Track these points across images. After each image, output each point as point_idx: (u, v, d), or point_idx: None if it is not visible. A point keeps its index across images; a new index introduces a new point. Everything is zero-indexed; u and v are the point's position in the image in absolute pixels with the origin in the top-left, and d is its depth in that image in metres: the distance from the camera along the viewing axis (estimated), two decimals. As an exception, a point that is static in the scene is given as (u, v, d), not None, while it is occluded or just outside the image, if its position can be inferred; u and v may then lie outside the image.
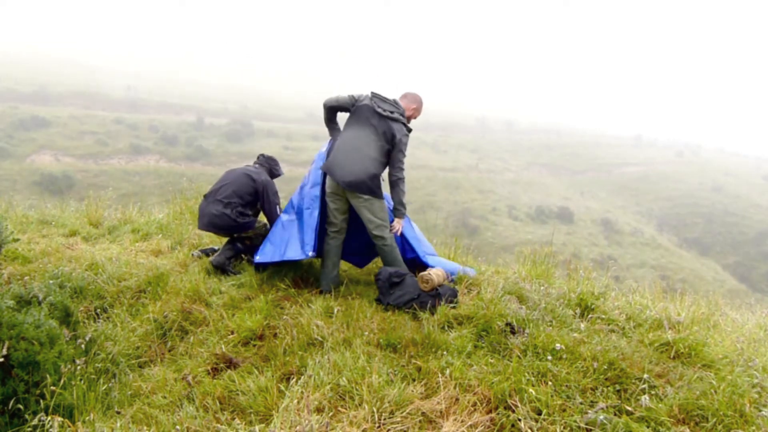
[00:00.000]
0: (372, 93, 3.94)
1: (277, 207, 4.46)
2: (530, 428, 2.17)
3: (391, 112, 3.83)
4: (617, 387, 2.50)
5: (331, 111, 4.06)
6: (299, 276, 4.13)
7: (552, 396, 2.34)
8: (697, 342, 2.93)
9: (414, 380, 2.54)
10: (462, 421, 2.22)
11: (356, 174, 3.74)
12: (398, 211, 3.99)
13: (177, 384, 2.66)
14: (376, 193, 3.82)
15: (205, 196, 4.44)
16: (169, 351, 3.16)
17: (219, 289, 3.83)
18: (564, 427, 2.19)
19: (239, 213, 4.31)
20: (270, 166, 4.78)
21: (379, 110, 3.80)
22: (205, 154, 43.85)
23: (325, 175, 3.99)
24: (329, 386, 2.40)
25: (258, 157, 4.83)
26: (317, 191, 4.02)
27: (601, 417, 2.18)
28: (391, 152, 3.83)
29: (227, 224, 4.29)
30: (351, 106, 3.93)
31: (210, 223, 4.31)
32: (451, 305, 3.38)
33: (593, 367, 2.57)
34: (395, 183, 3.89)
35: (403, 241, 4.20)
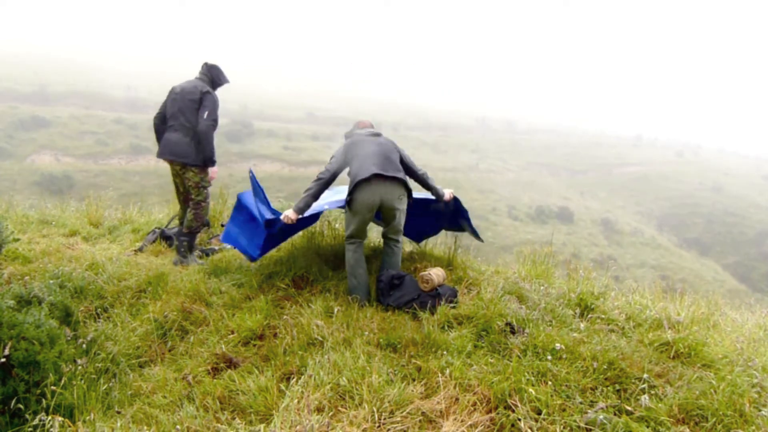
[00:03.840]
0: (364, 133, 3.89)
1: (206, 114, 4.47)
2: (530, 428, 2.17)
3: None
4: (617, 387, 2.50)
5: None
6: (299, 276, 4.13)
7: (552, 396, 2.34)
8: (697, 342, 2.93)
9: (414, 380, 2.54)
10: (462, 421, 2.22)
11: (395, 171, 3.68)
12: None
13: (177, 384, 2.66)
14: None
15: (167, 127, 4.65)
16: (170, 351, 3.16)
17: (219, 289, 3.84)
18: (564, 427, 2.19)
19: (197, 142, 4.56)
20: (212, 75, 4.73)
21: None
22: (204, 154, 43.89)
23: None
24: (329, 386, 2.40)
25: (201, 67, 4.79)
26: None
27: (601, 417, 2.18)
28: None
29: (185, 152, 4.54)
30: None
31: (171, 152, 4.57)
32: (451, 305, 3.38)
33: (593, 367, 2.57)
34: None
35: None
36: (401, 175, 3.69)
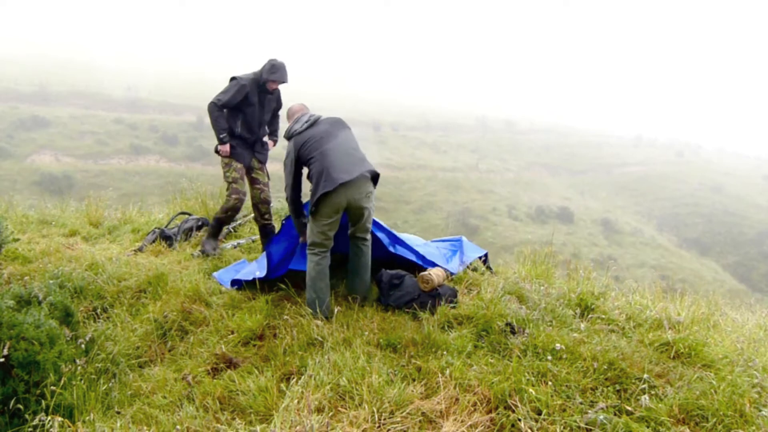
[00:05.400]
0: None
1: (215, 100, 4.46)
2: (530, 428, 2.17)
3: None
4: (617, 387, 2.50)
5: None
6: (299, 276, 4.13)
7: (552, 396, 2.34)
8: (697, 342, 2.93)
9: (414, 380, 2.54)
10: (462, 421, 2.22)
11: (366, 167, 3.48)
12: None
13: (177, 384, 2.66)
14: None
15: None
16: (169, 351, 3.16)
17: (219, 289, 3.84)
18: (564, 427, 2.19)
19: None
20: (262, 69, 4.56)
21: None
22: (205, 154, 43.66)
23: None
24: (329, 386, 2.40)
25: None
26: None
27: (601, 417, 2.18)
28: None
29: None
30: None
31: None
32: (451, 305, 3.38)
33: (593, 367, 2.57)
34: None
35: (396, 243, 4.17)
36: (369, 168, 3.47)
